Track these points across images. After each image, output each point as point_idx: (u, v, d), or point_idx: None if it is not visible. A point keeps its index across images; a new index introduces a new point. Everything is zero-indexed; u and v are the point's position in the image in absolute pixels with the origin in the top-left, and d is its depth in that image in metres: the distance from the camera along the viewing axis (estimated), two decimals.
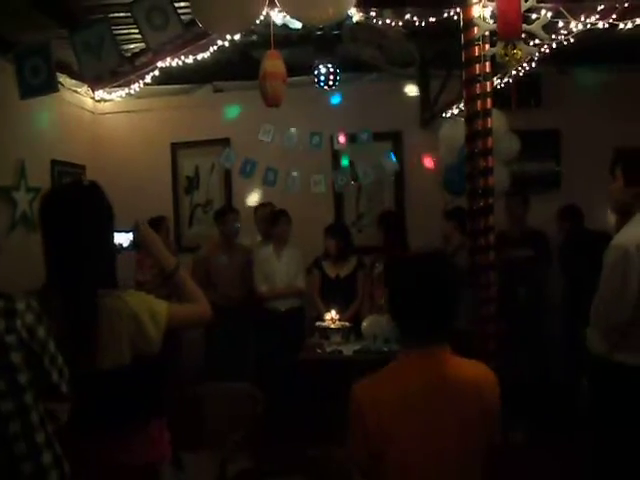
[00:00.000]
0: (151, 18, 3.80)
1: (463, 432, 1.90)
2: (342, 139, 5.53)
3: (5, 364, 1.68)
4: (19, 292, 1.77)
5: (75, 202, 2.10)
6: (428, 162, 6.58)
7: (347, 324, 5.10)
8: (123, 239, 2.25)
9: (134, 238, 2.26)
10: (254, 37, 5.26)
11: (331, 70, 5.62)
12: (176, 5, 3.92)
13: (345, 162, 6.44)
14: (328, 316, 5.15)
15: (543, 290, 5.59)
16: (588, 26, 3.72)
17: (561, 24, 3.70)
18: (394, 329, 2.14)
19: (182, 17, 4.06)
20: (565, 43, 4.04)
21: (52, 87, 4.16)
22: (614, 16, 3.66)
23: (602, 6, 3.64)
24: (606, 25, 3.71)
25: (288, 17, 4.00)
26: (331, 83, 5.65)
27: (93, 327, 1.98)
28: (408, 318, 1.97)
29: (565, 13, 3.54)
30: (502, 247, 4.80)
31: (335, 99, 6.58)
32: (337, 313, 5.14)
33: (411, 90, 6.65)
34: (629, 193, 2.98)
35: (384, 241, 5.58)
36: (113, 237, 2.19)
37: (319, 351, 4.80)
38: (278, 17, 4.14)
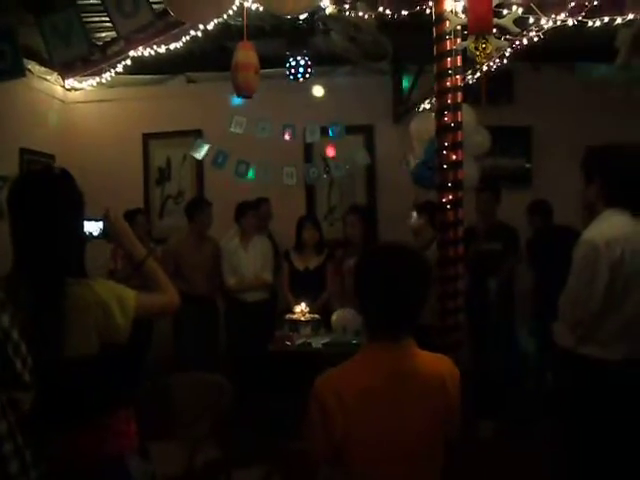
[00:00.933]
0: (121, 5, 3.77)
1: (428, 426, 1.91)
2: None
3: None
4: None
5: (45, 189, 2.08)
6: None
7: (317, 316, 5.10)
8: (93, 228, 2.23)
9: (104, 227, 2.24)
10: (225, 20, 5.15)
11: (307, 63, 5.59)
12: None
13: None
14: (298, 308, 5.14)
15: (513, 284, 5.64)
16: (558, 22, 3.76)
17: (532, 20, 3.73)
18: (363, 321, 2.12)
19: (155, 6, 4.03)
20: (536, 39, 4.09)
21: (18, 72, 4.12)
22: (583, 14, 3.70)
23: (572, 3, 3.68)
24: (575, 22, 3.75)
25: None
26: (307, 76, 5.63)
27: (60, 315, 1.96)
28: (377, 311, 1.94)
29: (535, 9, 3.58)
30: (471, 241, 4.84)
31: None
32: (307, 306, 5.15)
33: (384, 84, 6.65)
34: (591, 191, 3.02)
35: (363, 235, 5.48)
36: (83, 225, 2.17)
37: (288, 343, 4.80)
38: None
